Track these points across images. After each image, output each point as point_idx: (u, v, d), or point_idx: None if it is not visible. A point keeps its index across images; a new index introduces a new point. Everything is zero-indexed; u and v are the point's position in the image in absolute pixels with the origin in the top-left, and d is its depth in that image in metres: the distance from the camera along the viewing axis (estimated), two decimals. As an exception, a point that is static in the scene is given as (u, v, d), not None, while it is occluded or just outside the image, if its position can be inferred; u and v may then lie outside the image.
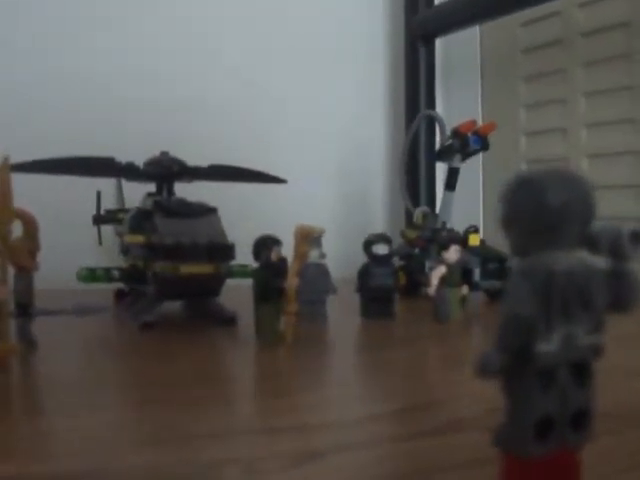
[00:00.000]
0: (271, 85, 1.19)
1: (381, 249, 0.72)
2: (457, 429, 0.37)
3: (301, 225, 0.59)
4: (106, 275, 0.75)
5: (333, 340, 0.66)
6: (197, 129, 1.08)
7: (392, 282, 0.73)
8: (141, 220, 0.70)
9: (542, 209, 0.24)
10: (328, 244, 0.71)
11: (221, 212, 0.71)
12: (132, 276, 0.73)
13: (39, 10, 1.04)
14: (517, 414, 0.24)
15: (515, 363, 0.24)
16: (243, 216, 0.83)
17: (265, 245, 0.60)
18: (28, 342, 0.56)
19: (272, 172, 0.81)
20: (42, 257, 0.57)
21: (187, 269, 0.65)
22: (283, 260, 0.60)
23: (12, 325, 0.54)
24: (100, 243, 0.84)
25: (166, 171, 0.73)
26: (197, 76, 1.13)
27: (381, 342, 0.64)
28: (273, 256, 0.60)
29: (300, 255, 0.59)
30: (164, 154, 0.74)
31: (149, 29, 1.10)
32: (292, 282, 0.58)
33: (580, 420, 0.25)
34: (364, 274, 0.73)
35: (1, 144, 0.56)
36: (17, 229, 0.54)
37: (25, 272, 0.56)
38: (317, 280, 0.68)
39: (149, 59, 1.09)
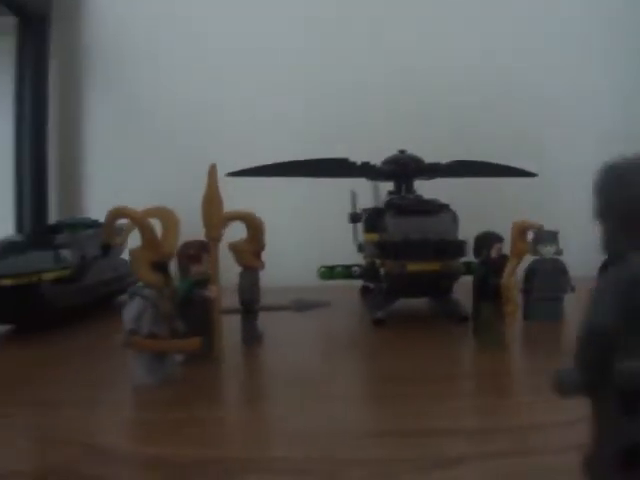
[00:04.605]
0: (541, 85, 1.12)
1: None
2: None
3: (519, 221, 0.56)
4: (345, 272, 0.77)
5: (565, 342, 0.60)
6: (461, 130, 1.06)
7: None
8: (375, 219, 0.70)
9: (633, 201, 0.20)
10: (567, 240, 0.66)
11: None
12: (369, 273, 0.74)
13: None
14: (601, 441, 0.21)
15: (599, 383, 0.21)
16: (472, 212, 0.78)
17: (486, 241, 0.58)
18: (253, 337, 0.59)
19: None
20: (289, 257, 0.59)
21: (414, 267, 0.64)
22: (504, 257, 0.57)
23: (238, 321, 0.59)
24: (355, 241, 0.86)
25: (402, 169, 0.73)
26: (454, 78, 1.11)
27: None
28: (493, 253, 0.57)
29: (517, 252, 0.56)
30: (402, 152, 0.74)
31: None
32: (509, 281, 0.55)
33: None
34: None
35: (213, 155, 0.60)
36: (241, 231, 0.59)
37: (250, 270, 0.60)
38: (553, 277, 0.64)
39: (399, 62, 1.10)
